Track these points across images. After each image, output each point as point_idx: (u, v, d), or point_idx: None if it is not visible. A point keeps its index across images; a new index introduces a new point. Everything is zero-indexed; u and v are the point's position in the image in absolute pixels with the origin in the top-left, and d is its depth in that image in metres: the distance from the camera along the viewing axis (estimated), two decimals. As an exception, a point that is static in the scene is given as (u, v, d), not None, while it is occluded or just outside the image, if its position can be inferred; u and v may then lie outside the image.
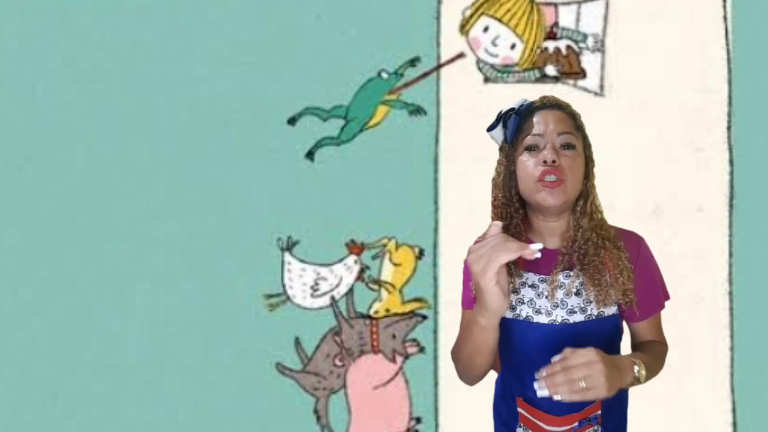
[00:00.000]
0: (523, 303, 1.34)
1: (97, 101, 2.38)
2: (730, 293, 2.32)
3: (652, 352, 1.38)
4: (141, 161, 2.37)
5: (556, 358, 1.15)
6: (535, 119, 1.34)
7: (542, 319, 1.33)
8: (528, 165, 1.31)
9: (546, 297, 1.33)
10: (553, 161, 1.28)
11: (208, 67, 2.37)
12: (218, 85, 2.37)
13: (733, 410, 2.32)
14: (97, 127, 2.38)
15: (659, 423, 2.30)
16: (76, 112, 2.38)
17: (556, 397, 1.12)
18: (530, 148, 1.33)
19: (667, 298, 1.44)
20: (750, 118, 2.33)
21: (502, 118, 1.37)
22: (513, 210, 1.36)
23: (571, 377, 1.12)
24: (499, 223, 1.16)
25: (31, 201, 2.38)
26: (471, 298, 1.37)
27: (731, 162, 2.34)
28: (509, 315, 1.35)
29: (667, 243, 2.30)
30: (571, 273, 1.33)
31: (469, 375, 1.37)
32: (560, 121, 1.33)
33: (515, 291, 1.35)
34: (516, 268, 1.35)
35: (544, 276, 1.35)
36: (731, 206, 2.33)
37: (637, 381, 1.24)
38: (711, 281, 2.33)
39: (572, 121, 1.36)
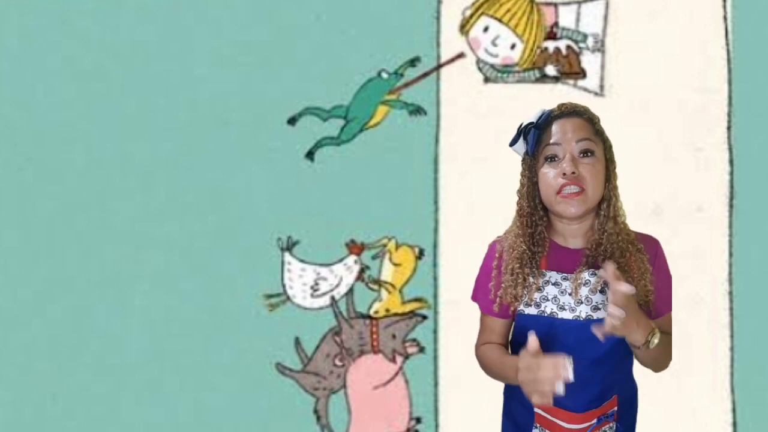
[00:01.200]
0: (548, 300, 1.38)
1: (97, 101, 2.37)
2: (730, 293, 2.32)
3: (668, 337, 1.43)
4: (141, 161, 2.37)
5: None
6: (553, 129, 1.38)
7: (566, 315, 1.37)
8: (548, 176, 1.36)
9: (569, 294, 1.37)
10: (573, 172, 1.33)
11: (208, 67, 2.37)
12: (218, 85, 2.37)
13: (733, 410, 2.32)
14: (97, 127, 2.38)
15: (659, 423, 2.30)
16: (76, 112, 2.37)
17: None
18: (550, 159, 1.37)
19: (670, 308, 1.49)
20: (750, 118, 2.33)
21: (522, 132, 1.42)
22: (537, 218, 1.41)
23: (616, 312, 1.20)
24: (535, 343, 1.23)
25: (31, 201, 2.38)
26: (490, 302, 1.43)
27: (731, 162, 2.34)
28: (534, 312, 1.39)
29: (667, 243, 2.28)
30: (597, 272, 1.37)
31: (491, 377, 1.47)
32: (578, 128, 1.37)
33: (539, 289, 1.39)
34: (539, 268, 1.38)
35: (566, 274, 1.39)
36: (731, 206, 2.33)
37: (645, 345, 1.29)
38: (711, 281, 2.32)
39: (591, 126, 1.40)
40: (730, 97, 2.33)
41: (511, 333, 1.49)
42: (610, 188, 1.41)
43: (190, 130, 2.37)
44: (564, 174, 1.33)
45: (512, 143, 1.44)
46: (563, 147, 1.35)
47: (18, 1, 2.38)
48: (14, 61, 2.38)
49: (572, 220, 1.38)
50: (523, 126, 1.42)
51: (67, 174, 2.38)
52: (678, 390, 2.32)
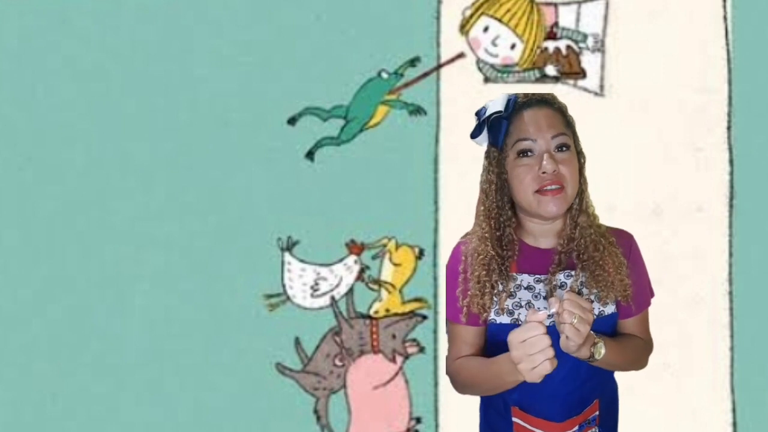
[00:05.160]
0: (521, 306, 1.33)
1: (97, 101, 2.37)
2: (730, 293, 2.32)
3: (626, 341, 1.37)
4: (141, 161, 2.37)
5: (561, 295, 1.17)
6: (525, 119, 1.30)
7: None
8: (525, 175, 1.27)
9: (544, 297, 1.32)
10: (554, 171, 1.26)
11: (208, 67, 2.37)
12: (218, 85, 2.36)
13: (733, 410, 2.32)
14: (97, 127, 2.37)
15: (659, 423, 2.30)
16: (76, 112, 2.37)
17: (552, 310, 1.15)
18: (523, 154, 1.29)
19: (653, 294, 1.44)
20: (750, 118, 2.33)
21: (488, 122, 1.33)
22: (505, 218, 1.33)
23: (573, 309, 1.14)
24: (541, 317, 1.13)
25: (31, 201, 2.37)
26: (458, 309, 1.35)
27: (731, 162, 2.34)
28: (507, 320, 1.32)
29: (667, 243, 2.30)
30: (573, 273, 1.33)
31: (472, 394, 1.39)
32: (552, 120, 1.31)
33: (511, 295, 1.32)
34: (509, 273, 1.32)
35: (539, 276, 1.34)
36: (731, 206, 2.33)
37: (591, 356, 1.24)
38: (711, 281, 2.32)
39: (562, 117, 1.34)
40: (730, 97, 2.33)
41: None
42: (581, 181, 1.34)
43: (190, 130, 2.37)
44: (544, 172, 1.25)
45: (475, 135, 1.36)
46: (538, 142, 1.27)
47: (18, 1, 2.38)
48: (14, 61, 2.38)
49: (549, 220, 1.31)
50: (487, 115, 1.31)
51: (67, 174, 2.37)
52: (678, 390, 2.32)
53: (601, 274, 1.31)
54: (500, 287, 1.30)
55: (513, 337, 1.13)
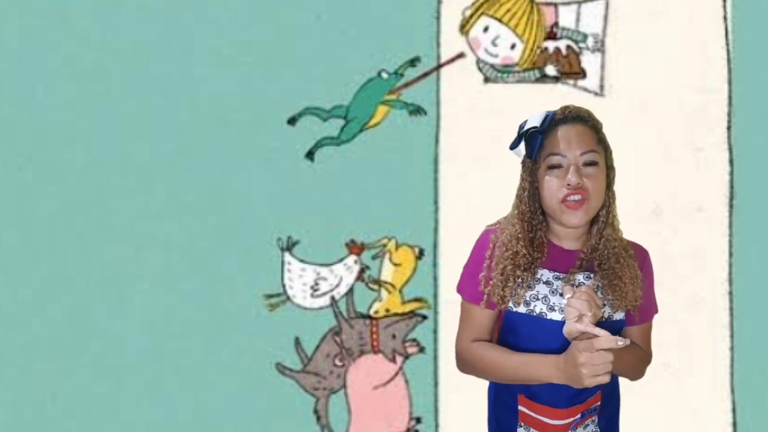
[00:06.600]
0: (537, 299, 1.37)
1: (97, 101, 2.38)
2: (730, 293, 2.32)
3: (632, 347, 1.41)
4: (141, 161, 2.37)
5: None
6: (559, 135, 1.36)
7: (555, 316, 1.35)
8: (551, 186, 1.34)
9: (561, 294, 1.36)
10: (578, 183, 1.32)
11: (208, 67, 2.37)
12: (218, 85, 2.37)
13: (733, 410, 2.32)
14: (97, 127, 2.38)
15: (659, 423, 2.30)
16: (76, 112, 2.38)
17: (567, 296, 1.27)
18: (553, 167, 1.35)
19: (657, 311, 1.49)
20: (750, 118, 2.33)
21: (524, 136, 1.39)
22: (537, 223, 1.40)
23: (587, 300, 1.25)
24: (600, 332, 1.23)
25: (31, 201, 2.38)
26: (479, 293, 1.40)
27: (731, 162, 2.34)
28: (522, 310, 1.37)
29: (667, 243, 2.30)
30: (592, 276, 1.38)
31: (480, 377, 1.43)
32: (583, 137, 1.36)
33: (530, 287, 1.37)
34: (534, 270, 1.38)
35: (558, 273, 1.38)
36: (731, 206, 2.33)
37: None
38: (711, 281, 2.33)
39: (594, 134, 1.38)
40: (730, 97, 2.33)
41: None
42: (609, 194, 1.40)
43: (190, 130, 2.37)
44: (568, 185, 1.32)
45: (513, 146, 1.43)
46: (567, 158, 1.34)
47: (18, 1, 2.38)
48: (14, 61, 2.38)
49: (572, 228, 1.39)
50: (525, 130, 1.39)
51: (67, 174, 2.38)
52: (678, 390, 2.32)
53: (617, 284, 1.38)
54: (521, 281, 1.38)
55: (585, 345, 1.23)
